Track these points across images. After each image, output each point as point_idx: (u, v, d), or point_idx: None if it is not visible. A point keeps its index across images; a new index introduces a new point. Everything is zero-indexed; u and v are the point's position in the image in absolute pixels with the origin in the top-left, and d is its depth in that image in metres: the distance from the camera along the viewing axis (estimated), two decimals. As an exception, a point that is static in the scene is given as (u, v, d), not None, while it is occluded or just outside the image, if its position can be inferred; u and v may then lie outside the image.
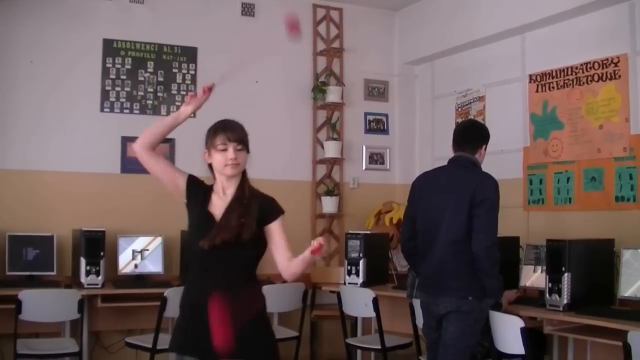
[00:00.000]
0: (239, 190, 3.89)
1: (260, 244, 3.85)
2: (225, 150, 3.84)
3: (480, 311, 5.04)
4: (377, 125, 8.96)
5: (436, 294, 5.13)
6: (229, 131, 3.86)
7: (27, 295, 6.07)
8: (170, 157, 7.79)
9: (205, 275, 3.84)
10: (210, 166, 3.95)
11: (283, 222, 3.90)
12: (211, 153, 3.89)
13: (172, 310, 6.27)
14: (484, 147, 5.33)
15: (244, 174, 3.93)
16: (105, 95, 7.65)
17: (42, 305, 6.16)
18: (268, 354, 3.83)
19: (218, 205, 3.89)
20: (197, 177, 4.00)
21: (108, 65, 7.67)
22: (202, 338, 3.72)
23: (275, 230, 3.87)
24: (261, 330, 3.82)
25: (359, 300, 6.64)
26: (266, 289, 4.14)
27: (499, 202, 5.04)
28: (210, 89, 3.98)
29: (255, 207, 3.83)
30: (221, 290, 3.74)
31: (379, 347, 6.48)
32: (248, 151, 3.91)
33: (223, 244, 3.74)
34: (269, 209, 3.88)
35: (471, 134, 5.37)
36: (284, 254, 3.85)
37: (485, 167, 5.30)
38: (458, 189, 5.08)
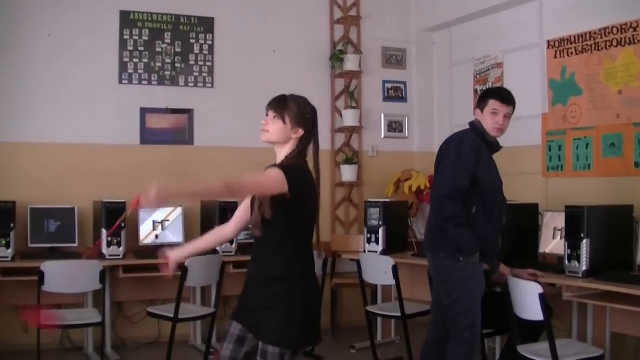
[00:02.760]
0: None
1: (283, 216, 3.76)
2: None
3: (458, 270, 5.08)
4: (395, 93, 8.94)
5: (425, 252, 5.39)
6: (270, 101, 3.93)
7: (49, 267, 6.11)
8: (189, 127, 7.84)
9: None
10: None
11: (271, 171, 3.77)
12: None
13: (193, 280, 6.35)
14: (479, 110, 5.34)
15: (301, 149, 3.94)
16: (123, 67, 7.67)
17: (65, 276, 6.20)
18: (264, 321, 3.75)
19: None
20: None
21: (125, 37, 7.68)
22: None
23: None
24: (265, 298, 3.78)
25: (378, 268, 6.64)
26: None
27: (464, 158, 5.07)
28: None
29: None
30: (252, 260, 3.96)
31: (399, 314, 6.50)
32: (289, 124, 3.86)
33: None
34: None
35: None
36: None
37: (504, 134, 5.29)
38: (445, 150, 5.26)
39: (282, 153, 3.91)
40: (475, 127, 5.26)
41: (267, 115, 3.89)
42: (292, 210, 3.77)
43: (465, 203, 5.03)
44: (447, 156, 5.15)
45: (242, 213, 4.09)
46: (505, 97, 5.30)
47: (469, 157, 5.07)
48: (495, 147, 5.29)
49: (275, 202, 3.71)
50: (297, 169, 3.83)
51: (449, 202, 5.02)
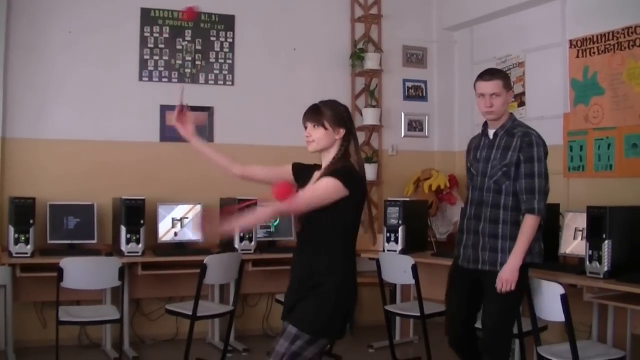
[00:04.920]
0: (326, 167, 4.03)
1: (329, 212, 3.87)
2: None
3: None
4: (415, 92, 8.91)
5: None
6: (304, 114, 4.06)
7: (68, 263, 6.11)
8: (209, 125, 7.84)
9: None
10: None
11: (324, 181, 3.89)
12: None
13: (212, 277, 6.33)
14: None
15: (345, 147, 4.04)
16: (143, 64, 7.68)
17: (83, 273, 6.20)
18: (297, 308, 3.95)
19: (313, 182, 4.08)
20: (300, 163, 4.24)
21: (146, 34, 7.69)
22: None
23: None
24: (303, 290, 3.93)
25: (398, 267, 6.62)
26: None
27: None
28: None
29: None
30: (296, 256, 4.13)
31: (418, 314, 6.46)
32: (330, 127, 3.99)
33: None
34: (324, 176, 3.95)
35: None
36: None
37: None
38: None
39: (329, 156, 4.04)
40: None
41: (306, 127, 4.04)
42: (339, 208, 3.88)
43: None
44: None
45: (269, 171, 4.27)
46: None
47: None
48: None
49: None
50: (348, 170, 3.95)
51: None
